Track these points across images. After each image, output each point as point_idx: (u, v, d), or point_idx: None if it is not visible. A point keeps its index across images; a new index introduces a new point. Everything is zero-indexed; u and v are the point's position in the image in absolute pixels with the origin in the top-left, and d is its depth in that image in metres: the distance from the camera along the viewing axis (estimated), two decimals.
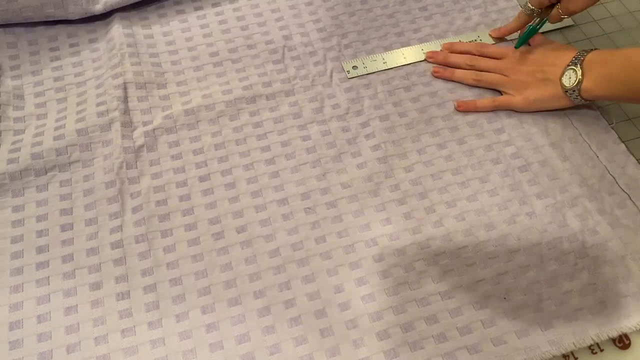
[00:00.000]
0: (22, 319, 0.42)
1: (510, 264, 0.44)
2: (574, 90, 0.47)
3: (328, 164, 0.50)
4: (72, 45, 0.58)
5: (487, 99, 0.53)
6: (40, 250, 0.45)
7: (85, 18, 0.58)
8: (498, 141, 0.51)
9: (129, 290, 0.43)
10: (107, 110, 0.52)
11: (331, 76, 0.55)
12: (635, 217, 0.46)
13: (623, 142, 0.51)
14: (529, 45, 0.56)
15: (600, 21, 0.60)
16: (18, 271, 0.44)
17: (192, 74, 0.55)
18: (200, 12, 0.60)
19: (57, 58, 0.57)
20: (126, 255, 0.44)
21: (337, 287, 0.43)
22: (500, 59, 0.54)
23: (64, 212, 0.47)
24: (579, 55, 0.48)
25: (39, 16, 0.56)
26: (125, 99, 0.52)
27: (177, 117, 0.52)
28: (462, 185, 0.48)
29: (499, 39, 0.57)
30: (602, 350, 0.41)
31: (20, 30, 0.58)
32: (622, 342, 0.41)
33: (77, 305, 0.42)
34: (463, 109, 0.52)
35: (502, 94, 0.53)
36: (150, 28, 0.59)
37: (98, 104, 0.52)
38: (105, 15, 0.59)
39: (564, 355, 0.41)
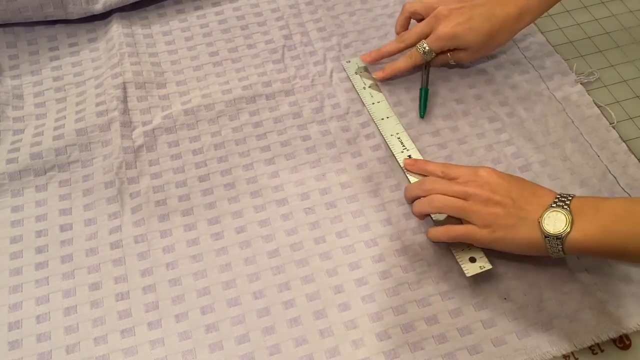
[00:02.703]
0: (22, 319, 0.42)
1: (511, 265, 0.44)
2: (558, 239, 0.38)
3: (328, 163, 0.50)
4: (71, 45, 0.57)
5: (441, 228, 0.43)
6: (39, 250, 0.45)
7: (85, 18, 0.58)
8: (498, 141, 0.51)
9: (128, 291, 0.43)
10: (107, 110, 0.52)
11: (331, 76, 0.55)
12: None
13: (624, 141, 0.50)
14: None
15: (601, 20, 0.60)
16: (17, 271, 0.44)
17: (191, 74, 0.55)
18: (200, 12, 0.60)
19: (57, 58, 0.57)
20: (125, 256, 0.44)
21: (336, 287, 0.43)
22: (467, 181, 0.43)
23: (63, 212, 0.47)
24: (563, 198, 0.40)
25: (38, 16, 0.56)
26: (124, 99, 0.52)
27: (176, 117, 0.52)
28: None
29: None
30: (602, 351, 0.41)
31: (19, 29, 0.58)
32: (623, 342, 0.41)
33: (76, 305, 0.42)
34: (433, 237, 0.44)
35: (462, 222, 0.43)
36: (150, 28, 0.59)
37: (97, 104, 0.52)
38: (105, 15, 0.59)
39: (564, 356, 0.40)
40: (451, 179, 0.44)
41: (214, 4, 0.60)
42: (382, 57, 0.54)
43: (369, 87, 0.54)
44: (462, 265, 0.42)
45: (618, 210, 0.38)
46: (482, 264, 0.42)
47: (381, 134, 0.51)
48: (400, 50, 0.54)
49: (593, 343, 0.41)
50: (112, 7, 0.57)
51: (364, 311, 0.42)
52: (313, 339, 0.41)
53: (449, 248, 0.44)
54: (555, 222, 0.38)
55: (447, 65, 0.55)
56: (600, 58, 0.57)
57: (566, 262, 0.44)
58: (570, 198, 0.40)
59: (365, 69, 0.55)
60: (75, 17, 0.57)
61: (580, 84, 0.54)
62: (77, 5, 0.56)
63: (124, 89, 0.53)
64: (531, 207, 0.40)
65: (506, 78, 0.55)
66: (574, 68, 0.56)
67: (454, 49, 0.52)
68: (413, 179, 0.47)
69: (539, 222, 0.39)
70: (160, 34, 0.58)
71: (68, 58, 0.57)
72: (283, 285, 0.43)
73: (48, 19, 0.57)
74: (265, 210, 0.47)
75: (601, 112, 0.52)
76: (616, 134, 0.51)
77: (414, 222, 0.46)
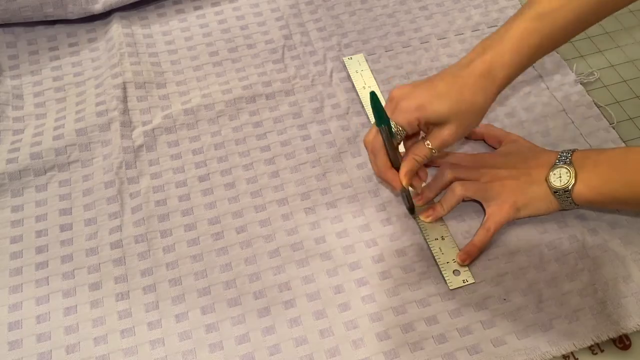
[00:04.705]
0: (22, 319, 0.42)
1: (510, 265, 0.44)
2: (566, 191, 0.42)
3: (328, 162, 0.50)
4: (71, 45, 0.57)
5: (481, 233, 0.44)
6: (39, 250, 0.45)
7: (85, 18, 0.58)
8: None
9: (128, 291, 0.43)
10: (107, 110, 0.52)
11: (331, 76, 0.55)
12: (635, 218, 0.46)
13: (624, 141, 0.50)
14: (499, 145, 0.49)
15: (602, 20, 0.60)
16: (17, 271, 0.44)
17: (191, 74, 0.55)
18: (199, 12, 0.60)
19: (57, 58, 0.56)
20: (125, 256, 0.44)
21: (337, 287, 0.43)
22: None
23: (63, 212, 0.47)
24: (565, 154, 0.43)
25: (38, 16, 0.56)
26: (124, 99, 0.52)
27: (176, 116, 0.52)
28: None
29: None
30: (602, 351, 0.41)
31: (19, 29, 0.58)
32: (623, 342, 0.41)
33: (76, 305, 0.42)
34: (465, 258, 0.44)
35: (482, 208, 0.45)
36: (150, 28, 0.58)
37: (97, 104, 0.52)
38: (105, 15, 0.59)
39: (564, 356, 0.41)
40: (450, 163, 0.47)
41: (214, 4, 0.60)
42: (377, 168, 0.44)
43: (369, 86, 0.54)
44: (446, 278, 0.43)
45: (615, 159, 0.41)
46: (465, 278, 0.43)
47: None
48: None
49: (593, 343, 0.41)
50: (112, 7, 0.57)
51: (364, 311, 0.42)
52: (313, 339, 0.41)
53: (434, 259, 0.44)
54: (561, 176, 0.42)
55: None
56: (600, 58, 0.57)
57: (565, 262, 0.44)
58: (571, 152, 0.43)
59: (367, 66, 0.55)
60: (75, 17, 0.57)
61: (580, 84, 0.54)
62: (77, 5, 0.56)
63: (124, 88, 0.53)
64: (537, 170, 0.44)
65: None
66: (574, 68, 0.56)
67: (430, 132, 0.42)
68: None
69: (547, 179, 0.43)
70: (160, 34, 0.58)
71: (68, 58, 0.57)
72: (283, 285, 0.43)
73: (48, 19, 0.57)
74: (266, 210, 0.47)
75: (601, 112, 0.52)
76: (616, 134, 0.51)
77: (413, 222, 0.46)
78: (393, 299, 0.42)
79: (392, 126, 0.41)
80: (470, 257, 0.43)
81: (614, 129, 0.51)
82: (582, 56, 0.57)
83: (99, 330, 0.41)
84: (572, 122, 0.52)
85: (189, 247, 0.45)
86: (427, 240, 0.45)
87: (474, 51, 0.42)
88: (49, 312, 0.42)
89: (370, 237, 0.45)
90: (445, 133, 0.41)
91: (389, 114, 0.41)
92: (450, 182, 0.46)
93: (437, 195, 0.46)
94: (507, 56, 0.40)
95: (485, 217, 0.45)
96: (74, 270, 0.44)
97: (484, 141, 0.50)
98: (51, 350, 0.40)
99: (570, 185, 0.41)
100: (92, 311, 0.42)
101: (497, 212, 0.44)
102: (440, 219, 0.46)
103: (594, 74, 0.55)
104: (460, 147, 0.50)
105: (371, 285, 0.43)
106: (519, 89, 0.54)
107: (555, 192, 0.42)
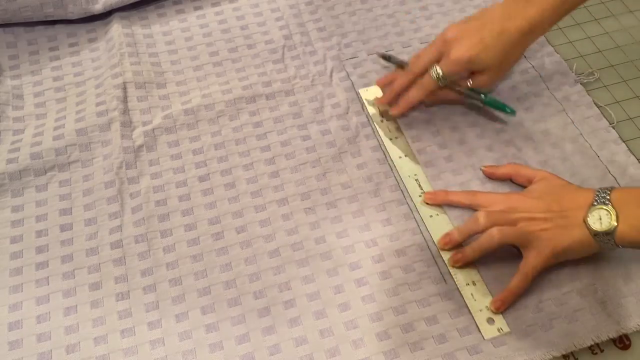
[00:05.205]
0: (22, 319, 0.42)
1: (510, 265, 0.44)
2: (608, 234, 0.39)
3: (328, 163, 0.50)
4: (71, 45, 0.57)
5: (518, 278, 0.42)
6: (39, 250, 0.45)
7: (85, 18, 0.58)
8: (499, 141, 0.51)
9: (128, 291, 0.43)
10: (107, 110, 0.52)
11: (331, 76, 0.55)
12: None
13: (624, 141, 0.50)
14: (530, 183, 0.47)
15: (602, 20, 0.60)
16: (17, 271, 0.44)
17: (191, 74, 0.55)
18: (199, 12, 0.60)
19: (57, 58, 0.56)
20: (126, 256, 0.44)
21: (337, 287, 0.43)
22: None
23: (64, 212, 0.47)
24: (602, 193, 0.40)
25: (38, 16, 0.56)
26: (124, 99, 0.52)
27: (176, 116, 0.52)
28: (462, 185, 0.48)
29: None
30: (602, 351, 0.41)
31: (19, 30, 0.58)
32: (622, 342, 0.41)
33: (76, 305, 0.42)
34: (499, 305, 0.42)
35: (518, 250, 0.43)
36: (150, 28, 0.58)
37: (97, 104, 0.52)
38: (105, 15, 0.59)
39: (564, 356, 0.41)
40: (480, 206, 0.44)
41: (214, 4, 0.60)
42: (397, 94, 0.50)
43: (387, 120, 0.52)
44: (480, 327, 0.41)
45: None
46: (500, 326, 0.41)
47: (397, 174, 0.49)
48: (412, 82, 0.49)
49: (593, 343, 0.41)
50: (112, 7, 0.57)
51: (364, 311, 0.42)
52: (313, 339, 0.41)
53: (466, 306, 0.42)
54: (601, 218, 0.39)
55: (462, 104, 0.53)
56: (600, 58, 0.57)
57: (565, 262, 0.44)
58: (609, 191, 0.40)
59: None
60: (75, 17, 0.57)
61: (580, 84, 0.54)
62: (77, 5, 0.56)
63: (124, 89, 0.53)
64: (574, 212, 0.41)
65: (506, 78, 0.55)
66: (574, 68, 0.56)
67: (470, 74, 0.49)
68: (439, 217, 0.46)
69: (585, 222, 0.40)
70: (160, 34, 0.58)
71: (68, 58, 0.57)
72: (283, 285, 0.43)
73: (48, 19, 0.57)
74: (266, 210, 0.47)
75: (601, 112, 0.52)
76: (616, 134, 0.51)
77: (413, 222, 0.46)
78: (393, 299, 0.42)
79: (439, 72, 0.47)
80: (505, 305, 0.41)
81: (614, 129, 0.51)
82: (582, 56, 0.57)
83: (99, 330, 0.41)
84: (572, 122, 0.52)
85: (189, 247, 0.45)
86: (459, 287, 0.42)
87: (515, 1, 0.47)
88: (49, 312, 0.42)
89: (370, 237, 0.45)
90: (482, 79, 0.48)
91: (435, 53, 0.48)
92: (485, 230, 0.42)
93: (465, 240, 0.44)
94: (548, 14, 0.46)
95: (523, 263, 0.42)
96: (74, 270, 0.44)
97: (511, 180, 0.48)
98: (51, 350, 0.40)
99: (613, 228, 0.39)
100: (92, 311, 0.42)
101: (535, 258, 0.41)
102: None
103: (594, 74, 0.55)
104: (483, 185, 0.48)
105: (371, 285, 0.43)
106: (519, 89, 0.54)
107: (596, 235, 0.39)
